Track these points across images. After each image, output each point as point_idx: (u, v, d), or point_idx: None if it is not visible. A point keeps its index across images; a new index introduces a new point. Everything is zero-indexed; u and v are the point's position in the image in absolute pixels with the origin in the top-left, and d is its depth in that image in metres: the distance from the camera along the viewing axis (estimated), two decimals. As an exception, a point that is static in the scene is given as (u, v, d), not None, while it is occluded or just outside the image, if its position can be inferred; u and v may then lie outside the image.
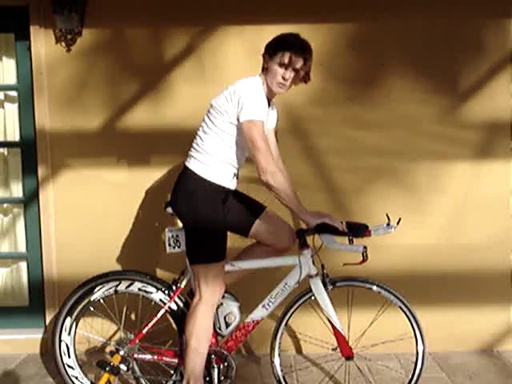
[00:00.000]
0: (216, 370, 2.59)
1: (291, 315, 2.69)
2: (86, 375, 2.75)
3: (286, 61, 2.36)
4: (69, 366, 2.71)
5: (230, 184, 2.52)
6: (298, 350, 3.42)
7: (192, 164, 2.46)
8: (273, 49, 2.41)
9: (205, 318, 2.47)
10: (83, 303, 2.68)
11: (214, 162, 2.44)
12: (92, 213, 3.32)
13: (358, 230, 2.51)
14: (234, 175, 2.53)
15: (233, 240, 2.56)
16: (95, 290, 2.68)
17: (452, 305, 3.36)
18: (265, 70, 2.46)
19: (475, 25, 3.22)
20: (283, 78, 2.39)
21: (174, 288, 2.63)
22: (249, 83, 2.41)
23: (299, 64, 2.38)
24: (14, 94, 3.38)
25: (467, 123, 3.27)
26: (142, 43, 3.22)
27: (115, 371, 2.56)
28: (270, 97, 2.52)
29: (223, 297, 2.58)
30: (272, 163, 2.35)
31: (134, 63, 3.24)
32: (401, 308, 2.64)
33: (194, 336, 2.46)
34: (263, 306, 2.62)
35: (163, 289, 2.65)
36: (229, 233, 2.53)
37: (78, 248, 3.32)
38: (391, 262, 3.31)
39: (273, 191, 2.37)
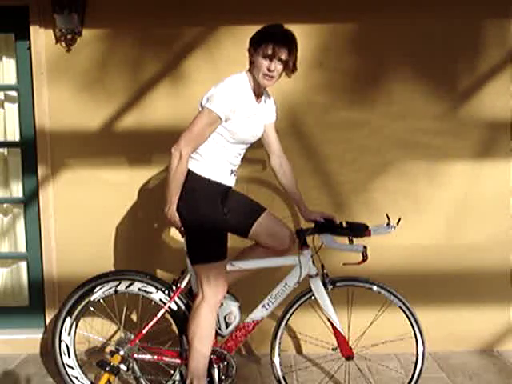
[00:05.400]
0: (216, 370, 2.59)
1: (291, 315, 2.69)
2: (86, 375, 2.75)
3: (270, 52, 2.33)
4: (69, 366, 2.71)
5: (228, 181, 2.51)
6: (298, 350, 3.42)
7: (189, 163, 2.45)
8: (256, 41, 2.39)
9: (208, 318, 2.46)
10: (83, 303, 2.68)
11: (211, 160, 2.44)
12: (92, 213, 3.32)
13: (357, 230, 2.51)
14: (232, 172, 2.52)
15: (233, 240, 2.56)
16: (95, 290, 2.68)
17: (452, 305, 3.37)
18: (251, 64, 2.44)
19: (475, 25, 3.22)
20: (268, 69, 2.36)
21: (174, 288, 2.63)
22: (230, 79, 2.40)
23: (284, 55, 2.35)
24: (13, 94, 3.38)
25: (467, 123, 3.27)
26: (142, 43, 3.22)
27: (115, 371, 2.56)
28: (259, 91, 2.50)
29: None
30: (189, 150, 2.35)
31: (133, 63, 3.24)
32: (401, 308, 2.65)
33: (197, 336, 2.46)
34: (263, 306, 2.63)
35: (163, 289, 2.65)
36: (229, 233, 2.53)
37: (78, 248, 3.32)
38: (391, 262, 3.31)
39: (169, 165, 2.36)
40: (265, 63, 2.36)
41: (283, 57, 2.36)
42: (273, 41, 2.33)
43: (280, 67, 2.39)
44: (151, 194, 3.31)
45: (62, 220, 3.34)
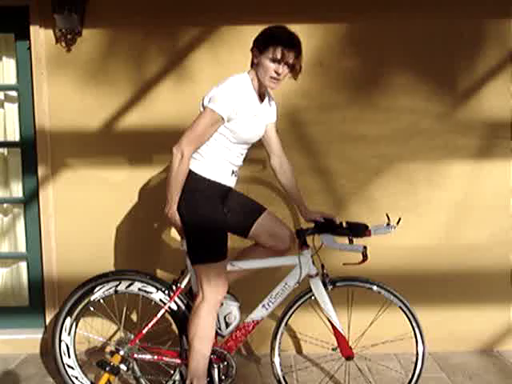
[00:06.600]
0: (216, 370, 2.59)
1: (291, 315, 2.69)
2: (86, 375, 2.75)
3: (279, 56, 2.33)
4: (69, 366, 2.71)
5: (229, 181, 2.51)
6: (298, 350, 3.42)
7: (190, 163, 2.45)
8: (263, 43, 2.37)
9: (208, 319, 2.46)
10: (83, 303, 2.68)
11: (212, 160, 2.44)
12: (92, 213, 3.32)
13: (357, 230, 2.51)
14: (233, 172, 2.52)
15: (233, 240, 2.56)
16: (95, 290, 2.67)
17: (452, 305, 3.37)
18: (254, 64, 2.43)
19: (475, 25, 3.22)
20: (277, 73, 2.36)
21: (174, 288, 2.63)
22: (232, 79, 2.39)
23: (291, 59, 2.35)
24: (13, 94, 3.38)
25: (467, 123, 3.27)
26: (142, 43, 3.22)
27: (115, 371, 2.55)
28: (262, 92, 2.50)
29: (223, 297, 2.57)
30: (191, 150, 2.35)
31: (133, 63, 3.24)
32: (401, 308, 2.65)
33: (197, 336, 2.45)
34: (263, 305, 2.62)
35: (163, 289, 2.65)
36: (229, 233, 2.53)
37: (78, 248, 3.33)
38: (391, 262, 3.31)
39: (170, 165, 2.36)
40: (273, 66, 2.35)
41: (291, 61, 2.36)
42: (281, 44, 2.32)
43: (287, 71, 2.39)
44: (151, 194, 3.31)
45: (62, 220, 3.34)
